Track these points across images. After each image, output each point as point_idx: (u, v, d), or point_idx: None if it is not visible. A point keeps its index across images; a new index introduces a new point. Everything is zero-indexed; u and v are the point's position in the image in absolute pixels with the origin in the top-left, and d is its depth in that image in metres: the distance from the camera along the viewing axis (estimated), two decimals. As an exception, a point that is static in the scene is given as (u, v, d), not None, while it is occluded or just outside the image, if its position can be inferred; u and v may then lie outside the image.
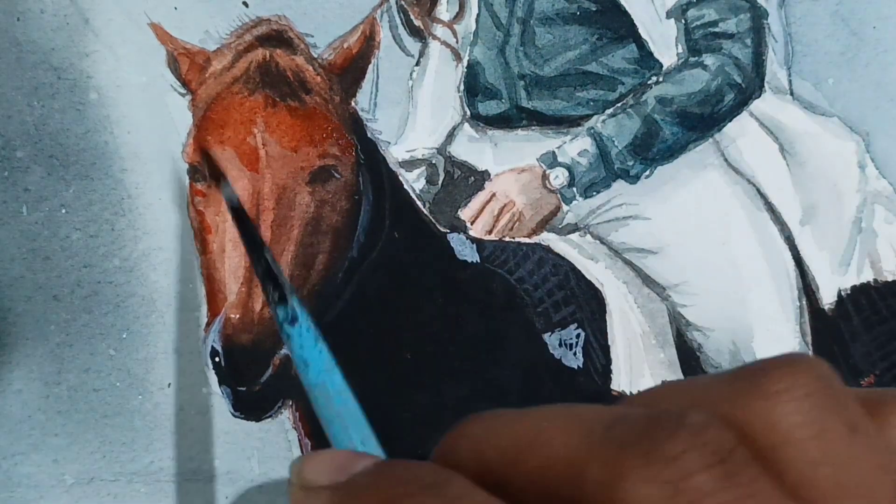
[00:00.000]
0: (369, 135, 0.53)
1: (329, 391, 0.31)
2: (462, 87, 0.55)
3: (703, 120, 0.55)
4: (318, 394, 0.31)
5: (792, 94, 0.56)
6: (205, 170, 0.50)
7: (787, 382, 0.22)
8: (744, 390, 0.23)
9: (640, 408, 0.24)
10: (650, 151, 0.55)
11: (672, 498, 0.21)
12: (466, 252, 0.54)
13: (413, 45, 0.54)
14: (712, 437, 0.21)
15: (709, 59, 0.55)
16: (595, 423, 0.23)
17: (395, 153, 0.54)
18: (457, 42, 0.55)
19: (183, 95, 0.51)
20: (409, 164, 0.54)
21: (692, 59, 0.55)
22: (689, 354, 0.55)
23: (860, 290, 0.56)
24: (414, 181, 0.54)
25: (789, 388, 0.22)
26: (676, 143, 0.55)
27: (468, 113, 0.55)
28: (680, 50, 0.55)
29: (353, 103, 0.52)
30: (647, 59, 0.55)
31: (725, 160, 0.56)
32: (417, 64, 0.54)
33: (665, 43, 0.55)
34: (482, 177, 0.55)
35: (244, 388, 0.50)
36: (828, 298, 0.56)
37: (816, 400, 0.22)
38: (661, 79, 0.55)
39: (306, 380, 0.31)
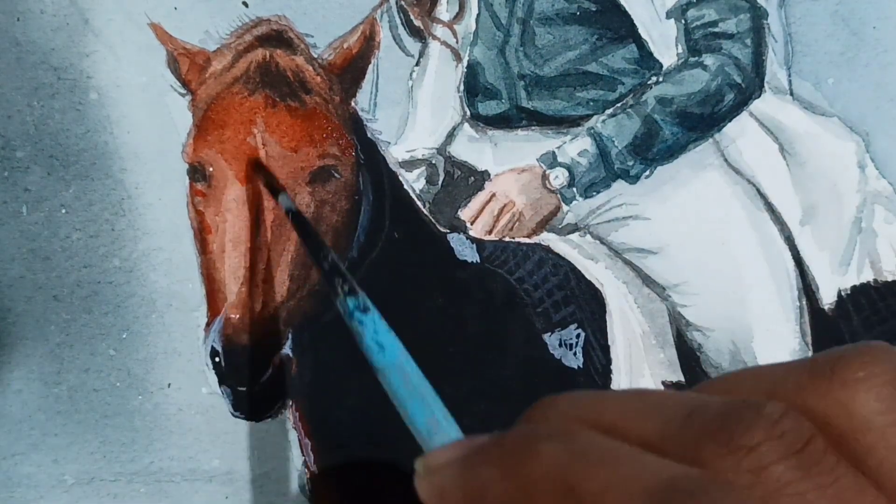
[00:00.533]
0: (369, 135, 0.53)
1: (406, 371, 0.32)
2: (462, 87, 0.55)
3: (702, 120, 0.55)
4: (396, 374, 0.33)
5: (792, 94, 0.56)
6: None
7: (867, 370, 0.23)
8: (822, 378, 0.23)
9: (717, 396, 0.24)
10: (650, 151, 0.55)
11: (752, 488, 0.21)
12: (466, 252, 0.54)
13: (413, 46, 0.54)
14: (790, 428, 0.22)
15: (709, 60, 0.55)
16: (675, 409, 0.24)
17: (395, 153, 0.54)
18: (457, 42, 0.55)
19: (183, 95, 0.51)
20: (409, 164, 0.54)
21: (692, 60, 0.55)
22: (688, 354, 0.55)
23: (860, 290, 0.56)
24: (414, 181, 0.54)
25: (869, 375, 0.23)
26: (676, 143, 0.55)
27: (468, 113, 0.55)
28: (680, 50, 0.55)
29: (353, 103, 0.52)
30: (647, 59, 0.55)
31: (725, 160, 0.56)
32: (417, 64, 0.54)
33: (665, 43, 0.55)
34: (482, 177, 0.55)
35: (244, 388, 0.50)
36: (828, 298, 0.56)
37: (895, 386, 0.22)
38: (661, 79, 0.55)
39: (382, 362, 0.33)
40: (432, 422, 0.31)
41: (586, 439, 0.24)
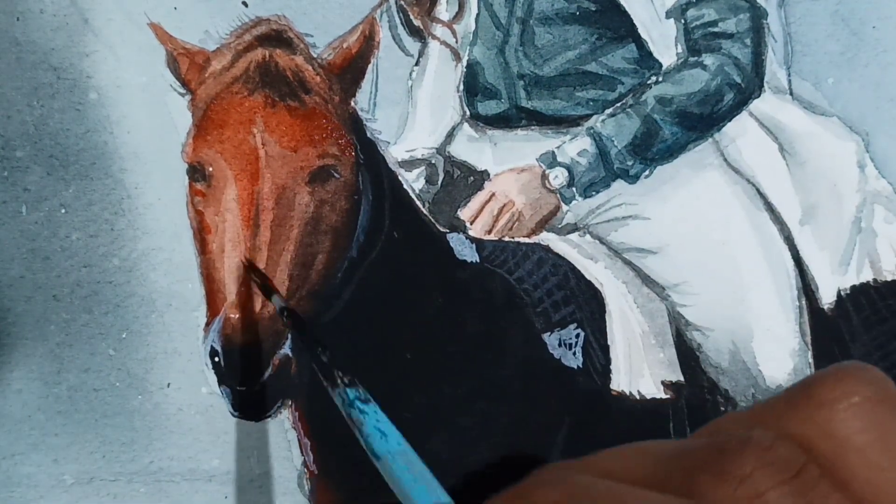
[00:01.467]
0: (369, 135, 0.53)
1: (409, 457, 0.33)
2: (461, 87, 0.55)
3: (702, 120, 0.55)
4: (400, 460, 0.33)
5: (792, 94, 0.56)
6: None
7: (841, 389, 0.22)
8: (799, 404, 0.23)
9: (703, 438, 0.24)
10: (650, 151, 0.55)
11: None
12: (466, 252, 0.54)
13: (413, 45, 0.54)
14: (781, 454, 0.22)
15: (708, 59, 0.55)
16: (663, 453, 0.24)
17: (395, 153, 0.54)
18: (456, 42, 0.55)
19: (183, 95, 0.51)
20: (409, 164, 0.54)
21: (692, 59, 0.55)
22: (688, 354, 0.55)
23: (860, 290, 0.56)
24: (413, 181, 0.54)
25: (844, 395, 0.22)
26: (676, 143, 0.55)
27: (468, 113, 0.55)
28: (679, 50, 0.55)
29: (352, 103, 0.52)
30: (646, 59, 0.55)
31: (725, 160, 0.56)
32: (417, 64, 0.54)
33: (665, 43, 0.55)
34: (482, 177, 0.55)
35: (244, 388, 0.50)
36: (827, 298, 0.56)
37: (872, 404, 0.22)
38: (660, 79, 0.55)
39: (385, 449, 0.34)
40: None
41: (582, 481, 0.24)
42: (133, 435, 0.52)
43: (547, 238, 0.55)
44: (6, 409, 0.51)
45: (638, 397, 0.54)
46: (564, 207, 0.55)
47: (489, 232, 0.54)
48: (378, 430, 0.35)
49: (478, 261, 0.54)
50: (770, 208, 0.56)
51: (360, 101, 0.53)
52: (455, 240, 0.54)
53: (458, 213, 0.54)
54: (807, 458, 0.22)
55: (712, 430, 0.25)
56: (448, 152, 0.55)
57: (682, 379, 0.55)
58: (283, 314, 0.47)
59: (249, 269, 0.49)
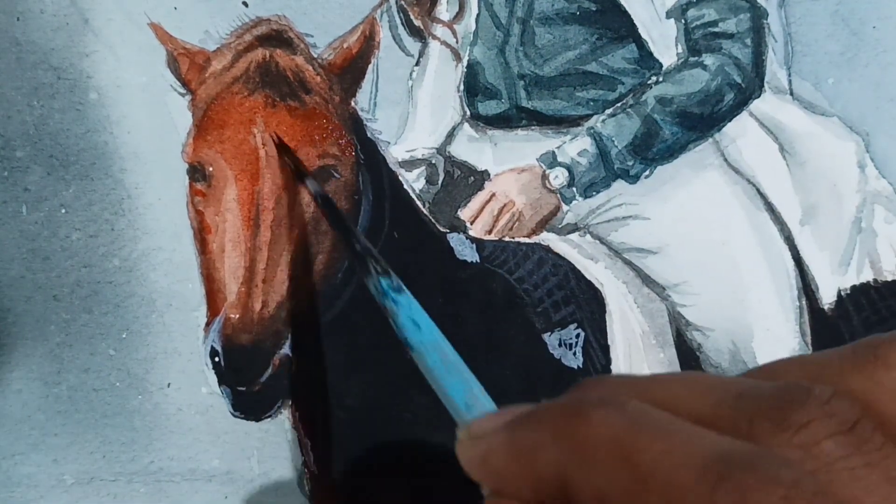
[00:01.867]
0: (369, 135, 0.53)
1: (443, 348, 0.33)
2: (462, 87, 0.55)
3: (702, 120, 0.55)
4: (433, 351, 0.33)
5: (792, 94, 0.56)
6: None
7: None
8: (865, 362, 0.24)
9: (765, 380, 0.25)
10: (650, 151, 0.55)
11: (803, 462, 0.21)
12: (466, 252, 0.54)
13: (413, 45, 0.54)
14: (838, 408, 0.22)
15: (708, 59, 0.55)
16: (726, 390, 0.24)
17: (395, 153, 0.54)
18: (457, 42, 0.55)
19: (183, 95, 0.51)
20: (409, 164, 0.54)
21: (692, 59, 0.55)
22: (688, 354, 0.55)
23: (860, 290, 0.56)
24: (414, 181, 0.54)
25: None
26: (676, 143, 0.55)
27: (468, 113, 0.55)
28: (680, 50, 0.55)
29: (352, 103, 0.52)
30: (646, 59, 0.55)
31: (725, 160, 0.56)
32: (417, 64, 0.54)
33: (665, 43, 0.55)
34: (482, 177, 0.55)
35: (244, 388, 0.50)
36: (828, 298, 0.56)
37: None
38: (660, 79, 0.55)
39: (419, 339, 0.34)
40: (471, 397, 0.31)
41: (640, 409, 0.24)
42: (133, 435, 0.52)
43: (547, 238, 0.55)
44: (6, 409, 0.51)
45: (638, 397, 0.54)
46: (565, 207, 0.55)
47: (489, 232, 0.54)
48: (411, 320, 0.35)
49: (478, 261, 0.54)
50: (770, 208, 0.56)
51: (361, 101, 0.53)
52: (455, 240, 0.54)
53: (459, 213, 0.54)
54: (862, 412, 0.22)
55: (772, 374, 0.26)
56: (448, 152, 0.55)
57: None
58: (317, 199, 0.46)
59: (281, 150, 0.49)
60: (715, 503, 0.21)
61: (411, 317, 0.35)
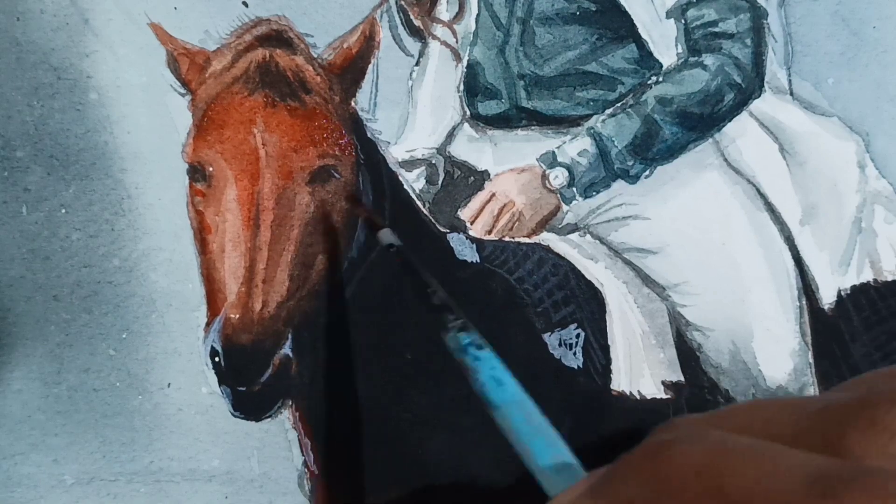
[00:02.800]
0: (369, 135, 0.53)
1: (527, 408, 0.31)
2: (462, 87, 0.55)
3: (702, 120, 0.55)
4: (517, 411, 0.31)
5: (792, 94, 0.56)
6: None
7: None
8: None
9: (845, 393, 0.24)
10: (650, 151, 0.55)
11: None
12: (466, 252, 0.54)
13: (413, 45, 0.54)
14: None
15: (708, 59, 0.55)
16: (806, 406, 0.23)
17: (395, 153, 0.54)
18: (457, 42, 0.55)
19: (183, 95, 0.51)
20: (409, 164, 0.54)
21: (692, 59, 0.55)
22: (688, 354, 0.55)
23: (860, 290, 0.56)
24: (414, 181, 0.54)
25: None
26: (676, 143, 0.55)
27: (468, 113, 0.55)
28: (680, 50, 0.55)
29: (352, 103, 0.52)
30: (647, 59, 0.55)
31: (725, 160, 0.56)
32: (417, 64, 0.54)
33: (665, 43, 0.55)
34: (482, 177, 0.55)
35: (244, 388, 0.50)
36: (828, 298, 0.56)
37: None
38: (660, 79, 0.55)
39: (502, 399, 0.32)
40: (558, 460, 0.29)
41: (722, 437, 0.23)
42: (133, 435, 0.52)
43: (547, 238, 0.55)
44: (6, 409, 0.51)
45: (638, 397, 0.54)
46: (565, 207, 0.55)
47: (489, 232, 0.54)
48: (493, 378, 0.33)
49: (478, 261, 0.54)
50: (770, 208, 0.56)
51: (361, 101, 0.53)
52: (455, 240, 0.54)
53: (459, 213, 0.54)
54: None
55: (850, 388, 0.25)
56: (448, 152, 0.55)
57: (682, 379, 0.55)
58: (390, 249, 0.44)
59: (354, 205, 0.48)
60: None
61: (493, 374, 0.33)
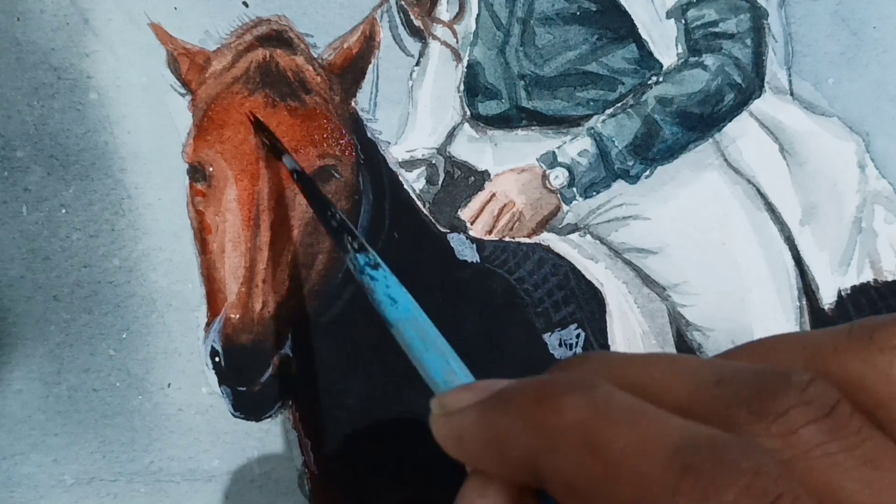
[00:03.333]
0: (369, 135, 0.53)
1: (420, 323, 0.33)
2: (462, 87, 0.55)
3: (703, 120, 0.55)
4: (410, 327, 0.33)
5: (792, 94, 0.56)
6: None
7: None
8: (861, 343, 0.24)
9: (749, 363, 0.25)
10: (650, 151, 0.55)
11: (782, 451, 0.21)
12: (466, 252, 0.54)
13: (413, 45, 0.54)
14: (816, 393, 0.22)
15: (709, 59, 0.55)
16: (705, 375, 0.24)
17: (395, 153, 0.54)
18: (457, 42, 0.55)
19: (183, 95, 0.51)
20: (409, 164, 0.54)
21: (692, 59, 0.55)
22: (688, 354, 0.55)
23: (860, 290, 0.56)
24: (414, 181, 0.54)
25: None
26: (676, 143, 0.55)
27: (468, 113, 0.55)
28: (680, 50, 0.55)
29: (353, 103, 0.52)
30: (647, 59, 0.55)
31: (725, 160, 0.56)
32: (417, 64, 0.54)
33: (665, 43, 0.55)
34: (482, 177, 0.55)
35: (244, 388, 0.50)
36: (828, 298, 0.56)
37: None
38: (661, 79, 0.55)
39: (396, 315, 0.33)
40: (448, 372, 0.31)
41: (608, 394, 0.24)
42: (133, 435, 0.52)
43: (547, 238, 0.55)
44: (6, 409, 0.51)
45: (638, 397, 0.54)
46: (565, 208, 0.55)
47: (489, 232, 0.54)
48: (388, 296, 0.34)
49: (478, 261, 0.54)
50: (770, 208, 0.56)
51: (361, 101, 0.53)
52: (455, 240, 0.54)
53: (459, 213, 0.54)
54: (840, 397, 0.22)
55: (765, 351, 0.26)
56: (448, 152, 0.55)
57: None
58: (293, 175, 0.45)
59: (257, 127, 0.49)
60: (679, 492, 0.21)
61: (388, 293, 0.35)
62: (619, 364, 0.26)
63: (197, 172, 0.51)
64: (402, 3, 0.53)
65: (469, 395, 0.28)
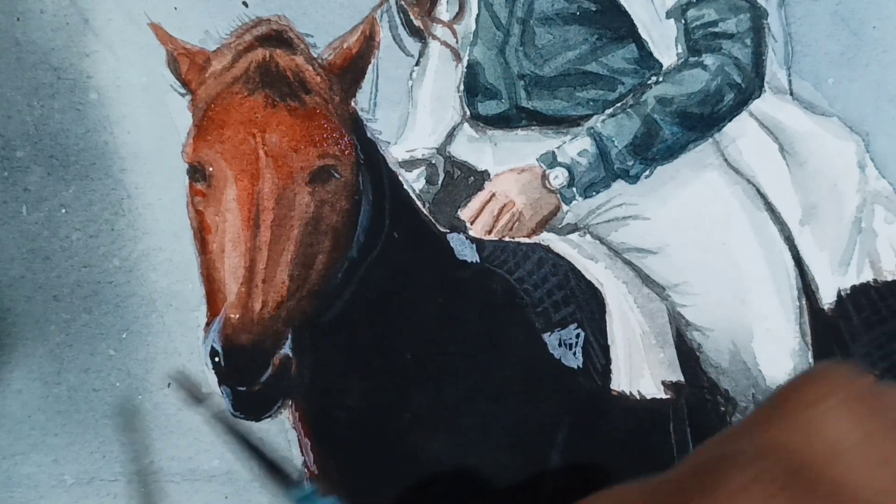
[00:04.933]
0: (369, 135, 0.53)
1: None
2: (462, 87, 0.55)
3: (702, 120, 0.55)
4: None
5: (792, 94, 0.56)
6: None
7: (814, 393, 0.22)
8: (781, 411, 0.23)
9: (684, 466, 0.24)
10: (650, 151, 0.54)
11: None
12: (466, 252, 0.54)
13: (413, 45, 0.54)
14: (765, 467, 0.21)
15: (709, 59, 0.55)
16: (648, 488, 0.23)
17: (395, 153, 0.54)
18: (457, 42, 0.55)
19: (183, 95, 0.51)
20: (409, 164, 0.54)
21: (692, 59, 0.55)
22: (688, 354, 0.55)
23: (860, 290, 0.56)
24: (414, 181, 0.54)
25: (818, 398, 0.22)
26: (676, 143, 0.55)
27: (468, 113, 0.55)
28: (680, 50, 0.55)
29: (352, 103, 0.52)
30: (647, 59, 0.55)
31: (725, 160, 0.56)
32: (417, 64, 0.54)
33: (665, 43, 0.55)
34: (482, 177, 0.55)
35: (244, 388, 0.50)
36: (828, 298, 0.56)
37: (849, 404, 0.22)
38: (660, 79, 0.55)
39: None
40: None
41: None
42: (133, 435, 0.52)
43: (547, 238, 0.55)
44: (6, 409, 0.51)
45: (638, 397, 0.54)
46: (565, 207, 0.55)
47: (489, 232, 0.54)
48: None
49: (478, 261, 0.54)
50: (770, 208, 0.56)
51: (361, 101, 0.53)
52: (455, 240, 0.54)
53: (459, 213, 0.54)
54: (789, 467, 0.21)
55: (697, 457, 0.25)
56: (448, 152, 0.55)
57: (682, 379, 0.55)
58: (220, 423, 0.47)
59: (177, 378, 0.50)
60: None
61: None
62: None
63: (197, 172, 0.51)
64: (402, 3, 0.53)
65: None
